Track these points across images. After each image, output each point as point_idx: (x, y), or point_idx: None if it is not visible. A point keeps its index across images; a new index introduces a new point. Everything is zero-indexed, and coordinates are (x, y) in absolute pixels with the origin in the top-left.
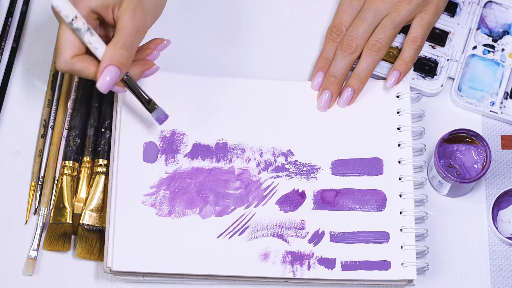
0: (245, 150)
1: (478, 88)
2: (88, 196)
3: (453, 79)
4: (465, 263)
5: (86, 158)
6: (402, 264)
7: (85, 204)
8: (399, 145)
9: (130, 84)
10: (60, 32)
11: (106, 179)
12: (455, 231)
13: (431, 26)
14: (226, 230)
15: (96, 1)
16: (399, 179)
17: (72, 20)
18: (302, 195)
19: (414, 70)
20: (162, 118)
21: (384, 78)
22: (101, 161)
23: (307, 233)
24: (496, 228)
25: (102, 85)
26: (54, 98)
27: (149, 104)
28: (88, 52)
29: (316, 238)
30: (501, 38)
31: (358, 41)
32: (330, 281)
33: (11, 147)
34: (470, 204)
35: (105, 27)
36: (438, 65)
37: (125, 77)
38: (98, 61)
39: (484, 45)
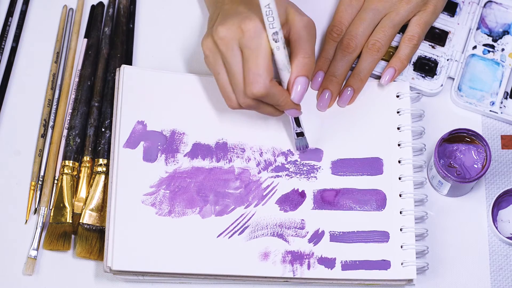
0: (245, 149)
1: (478, 88)
2: (88, 195)
3: (453, 79)
4: (465, 263)
5: (86, 158)
6: (402, 264)
7: (85, 203)
8: (399, 145)
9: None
10: (255, 56)
11: (106, 178)
12: (455, 231)
13: (429, 26)
14: (226, 230)
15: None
16: (399, 178)
17: (278, 33)
18: (302, 195)
19: (414, 70)
20: (303, 148)
21: None
22: (101, 161)
23: (307, 232)
24: (496, 228)
25: (296, 96)
26: (54, 98)
27: (299, 134)
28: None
29: (316, 237)
30: (501, 38)
31: (358, 40)
32: (330, 281)
33: (11, 147)
34: (470, 204)
35: None
36: (438, 65)
37: None
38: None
39: (484, 45)
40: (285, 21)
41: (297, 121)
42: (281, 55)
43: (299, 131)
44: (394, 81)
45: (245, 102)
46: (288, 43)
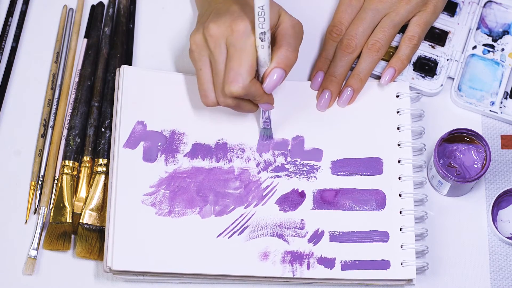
0: (245, 150)
1: (478, 88)
2: (88, 195)
3: (453, 78)
4: (465, 262)
5: (86, 158)
6: (401, 264)
7: (85, 203)
8: (398, 145)
9: None
10: (237, 56)
11: (106, 178)
12: (455, 231)
13: (429, 26)
14: (225, 230)
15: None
16: (399, 178)
17: (265, 34)
18: (302, 195)
19: (414, 70)
20: (267, 138)
21: None
22: (101, 161)
23: (307, 232)
24: (496, 227)
25: (268, 85)
26: (54, 98)
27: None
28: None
29: (316, 237)
30: (501, 38)
31: (358, 40)
32: (329, 281)
33: (11, 146)
34: (470, 204)
35: None
36: (438, 65)
37: None
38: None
39: (484, 44)
40: (276, 23)
41: (265, 112)
42: (264, 53)
43: (266, 121)
44: (394, 81)
45: (224, 101)
46: (273, 41)
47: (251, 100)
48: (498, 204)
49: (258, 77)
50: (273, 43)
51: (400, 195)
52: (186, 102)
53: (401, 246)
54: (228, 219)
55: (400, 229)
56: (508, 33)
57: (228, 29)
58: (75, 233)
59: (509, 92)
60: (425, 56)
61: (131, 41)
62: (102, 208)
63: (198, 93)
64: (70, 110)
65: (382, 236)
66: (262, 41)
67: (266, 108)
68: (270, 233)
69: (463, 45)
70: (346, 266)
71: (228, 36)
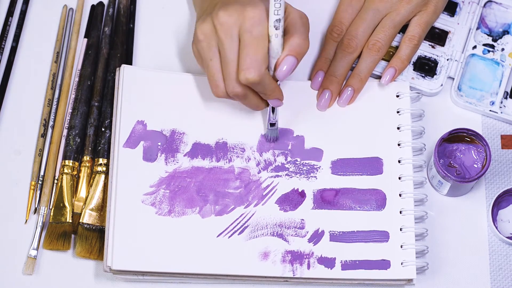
0: (245, 149)
1: (478, 87)
2: (88, 195)
3: (453, 78)
4: (465, 262)
5: (86, 157)
6: (401, 264)
7: (85, 203)
8: (399, 145)
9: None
10: (255, 43)
11: (106, 178)
12: (455, 231)
13: (430, 26)
14: (225, 229)
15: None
16: (399, 178)
17: (280, 21)
18: (302, 195)
19: (414, 70)
20: (273, 138)
21: None
22: (101, 160)
23: (307, 232)
24: (496, 227)
25: (280, 72)
26: (54, 98)
27: (272, 124)
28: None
29: (316, 237)
30: (501, 37)
31: (358, 40)
32: (329, 281)
33: (11, 146)
34: (470, 203)
35: None
36: (438, 65)
37: None
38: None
39: (484, 44)
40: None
41: (274, 111)
42: (277, 43)
43: (273, 121)
44: (394, 81)
45: (234, 90)
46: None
47: (261, 93)
48: (498, 204)
49: (269, 70)
50: (286, 32)
51: (400, 195)
52: (186, 102)
53: (401, 246)
54: (228, 219)
55: (400, 229)
56: (508, 33)
57: (240, 17)
58: (75, 233)
59: (509, 92)
60: (425, 56)
61: (131, 41)
62: (102, 208)
63: (199, 91)
64: (70, 110)
65: (382, 236)
66: (276, 29)
67: (276, 104)
68: (270, 233)
69: (463, 45)
70: (346, 266)
71: (241, 23)
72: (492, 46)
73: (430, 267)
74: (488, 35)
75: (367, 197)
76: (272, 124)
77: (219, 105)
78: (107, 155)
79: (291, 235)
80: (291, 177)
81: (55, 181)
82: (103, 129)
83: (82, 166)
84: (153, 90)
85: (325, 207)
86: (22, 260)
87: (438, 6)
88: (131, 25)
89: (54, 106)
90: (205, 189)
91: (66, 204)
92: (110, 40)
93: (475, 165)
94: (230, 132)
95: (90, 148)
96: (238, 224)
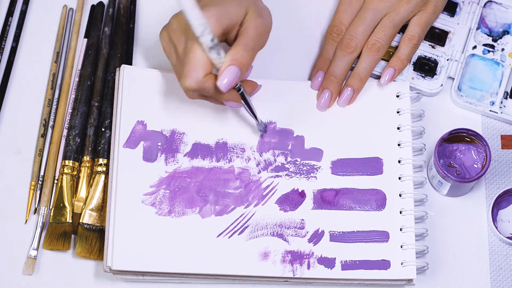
0: (245, 149)
1: (478, 87)
2: (88, 195)
3: (453, 78)
4: (465, 262)
5: (86, 158)
6: (402, 264)
7: (85, 203)
8: (399, 145)
9: (245, 99)
10: (192, 50)
11: (106, 178)
12: (455, 231)
13: (429, 25)
14: (225, 230)
15: (227, 19)
16: (399, 178)
17: (212, 39)
18: (302, 195)
19: (414, 70)
20: (264, 130)
21: None
22: (101, 161)
23: (307, 232)
24: (496, 227)
25: (222, 83)
26: (54, 98)
27: (257, 120)
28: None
29: (316, 237)
30: (501, 38)
31: (358, 40)
32: (329, 281)
33: (11, 146)
34: (470, 203)
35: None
36: (438, 65)
37: (243, 91)
38: None
39: (484, 44)
40: (241, 20)
41: (250, 109)
42: (212, 55)
43: (252, 117)
44: (394, 81)
45: (188, 94)
46: (235, 40)
47: (210, 98)
48: (498, 204)
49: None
50: (235, 41)
51: (400, 195)
52: (186, 102)
53: (401, 246)
54: (228, 219)
55: (400, 229)
56: (508, 33)
57: (186, 24)
58: (75, 233)
59: (509, 92)
60: (425, 56)
61: (131, 41)
62: (102, 208)
63: None
64: (70, 110)
65: (382, 236)
66: (206, 43)
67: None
68: (270, 233)
69: (463, 45)
70: (346, 266)
71: (187, 30)
72: (492, 46)
73: (430, 267)
74: (488, 35)
75: (367, 197)
76: (256, 119)
77: (219, 105)
78: (107, 155)
79: (291, 235)
80: (291, 177)
81: (55, 181)
82: (103, 129)
83: (82, 166)
84: (153, 90)
85: (325, 207)
86: (22, 260)
87: (437, 6)
88: (131, 25)
89: (54, 106)
90: (205, 189)
91: (66, 204)
92: (110, 40)
93: (475, 165)
94: (230, 132)
95: (90, 148)
96: (238, 224)
